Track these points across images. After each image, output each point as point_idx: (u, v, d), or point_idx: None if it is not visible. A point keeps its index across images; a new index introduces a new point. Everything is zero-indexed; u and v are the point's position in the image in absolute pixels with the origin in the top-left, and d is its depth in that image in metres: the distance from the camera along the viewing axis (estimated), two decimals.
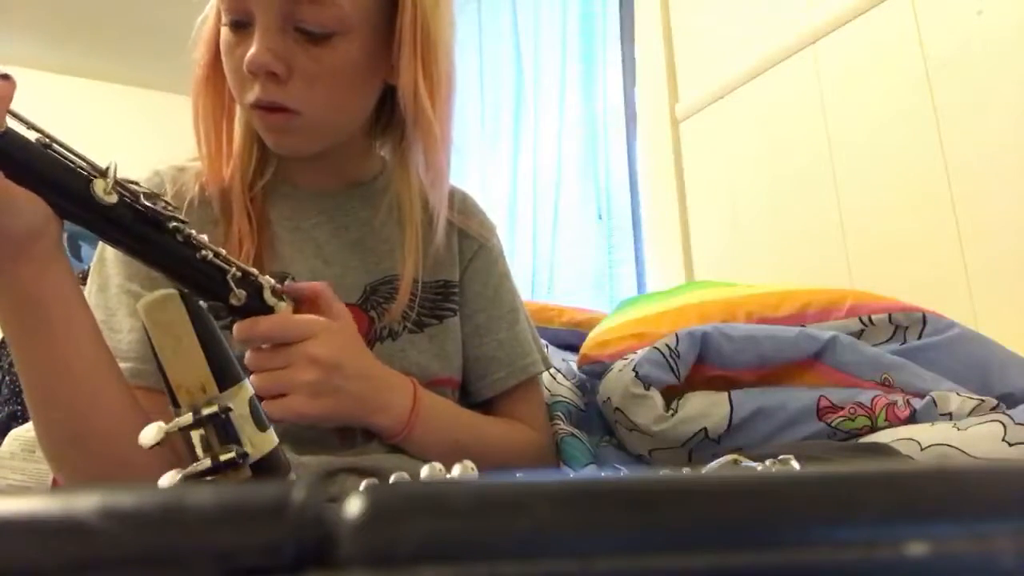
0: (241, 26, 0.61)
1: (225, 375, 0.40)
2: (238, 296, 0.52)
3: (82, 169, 0.46)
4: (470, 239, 0.77)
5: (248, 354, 0.56)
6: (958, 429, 0.62)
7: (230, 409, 0.39)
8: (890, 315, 0.77)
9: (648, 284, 1.72)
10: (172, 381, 0.39)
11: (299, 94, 0.61)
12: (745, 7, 1.45)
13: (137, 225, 0.47)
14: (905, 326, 0.76)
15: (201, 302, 0.52)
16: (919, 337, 0.76)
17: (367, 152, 0.76)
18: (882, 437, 0.64)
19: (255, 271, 0.55)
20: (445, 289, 0.74)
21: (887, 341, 0.77)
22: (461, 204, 0.78)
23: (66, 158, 0.46)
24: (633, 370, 0.74)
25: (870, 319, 0.77)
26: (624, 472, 0.71)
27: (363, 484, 0.17)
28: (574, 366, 0.90)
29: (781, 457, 0.39)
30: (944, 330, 0.75)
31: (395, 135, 0.73)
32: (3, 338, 1.40)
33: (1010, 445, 0.59)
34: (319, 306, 0.59)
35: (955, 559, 0.16)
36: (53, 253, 0.48)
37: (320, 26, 0.60)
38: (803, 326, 0.78)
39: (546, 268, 1.94)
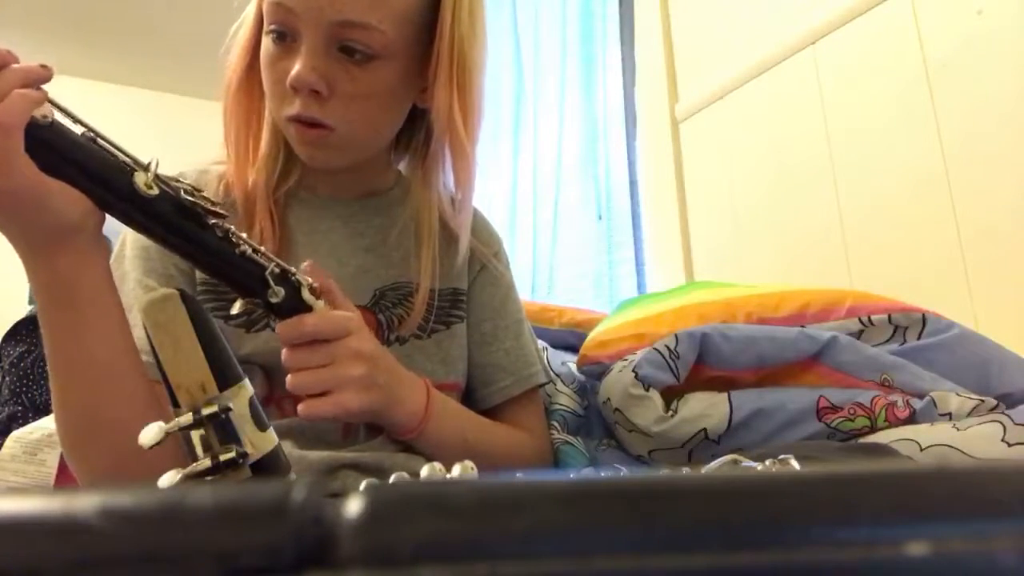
0: (284, 38, 0.63)
1: (225, 375, 0.40)
2: (276, 293, 0.52)
3: (125, 163, 0.47)
4: (479, 251, 0.78)
5: (285, 353, 0.56)
6: (957, 429, 0.62)
7: (230, 409, 0.39)
8: (890, 315, 0.77)
9: (648, 284, 1.72)
10: (172, 381, 0.39)
11: (337, 112, 0.63)
12: (745, 7, 1.45)
13: (177, 219, 0.48)
14: (905, 326, 0.76)
15: (239, 303, 0.53)
16: (919, 337, 0.76)
17: (385, 165, 0.78)
18: (882, 437, 0.64)
19: (293, 269, 0.55)
20: (454, 297, 0.76)
21: (887, 341, 0.77)
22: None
23: (109, 152, 0.47)
24: (633, 371, 0.74)
25: (870, 319, 0.77)
26: (624, 472, 0.71)
27: (363, 484, 0.17)
28: (574, 368, 0.90)
29: (781, 457, 0.39)
30: (944, 330, 0.75)
31: (417, 151, 0.76)
32: (2, 339, 1.40)
33: (1009, 445, 0.59)
34: (332, 300, 0.60)
35: (955, 559, 0.16)
36: (91, 246, 0.50)
37: (365, 48, 0.61)
38: (803, 326, 0.78)
39: (546, 268, 1.94)
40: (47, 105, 0.46)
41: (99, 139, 0.47)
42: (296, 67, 0.61)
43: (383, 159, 0.77)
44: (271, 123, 0.70)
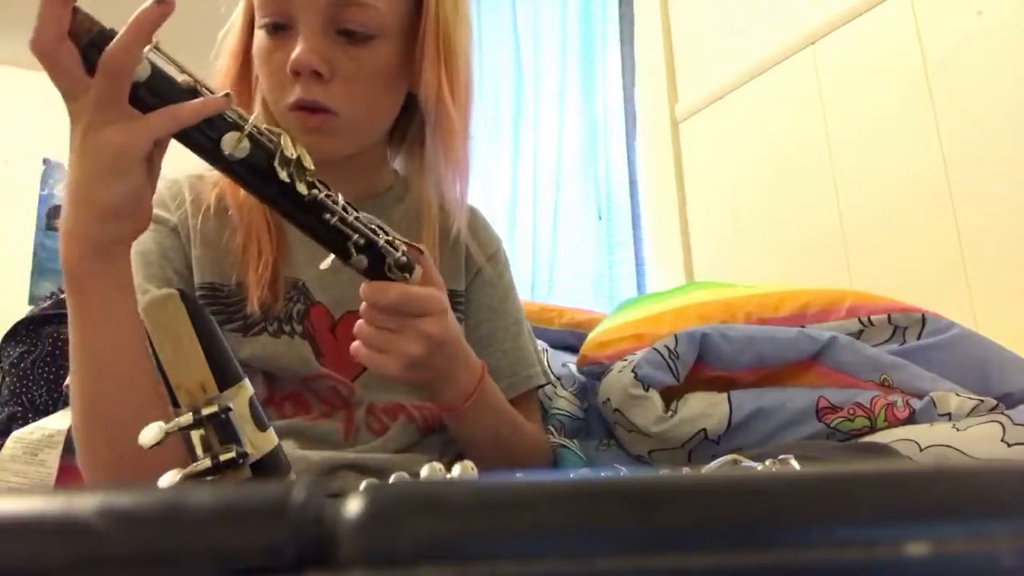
0: (279, 28, 0.63)
1: (225, 375, 0.40)
2: (359, 262, 0.55)
3: (221, 119, 0.49)
4: (477, 251, 0.78)
5: (364, 307, 0.57)
6: (957, 430, 0.62)
7: (230, 409, 0.39)
8: (889, 315, 0.77)
9: (648, 284, 1.72)
10: (172, 381, 0.39)
11: (339, 94, 0.63)
12: (745, 7, 1.45)
13: (266, 182, 0.50)
14: (904, 326, 0.76)
15: (330, 259, 0.55)
16: (918, 337, 0.75)
17: (382, 163, 0.78)
18: (881, 438, 0.64)
19: (381, 241, 0.56)
20: (451, 298, 0.75)
21: (886, 341, 0.77)
22: (469, 217, 0.79)
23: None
24: (632, 371, 0.74)
25: (869, 319, 0.77)
26: (624, 472, 0.71)
27: (363, 484, 0.17)
28: (574, 368, 0.90)
29: (781, 457, 0.39)
30: (944, 330, 0.75)
31: (412, 144, 0.76)
32: (2, 339, 1.41)
33: (1009, 445, 0.59)
34: (426, 274, 0.60)
35: (955, 559, 0.16)
36: (126, 248, 0.53)
37: (363, 28, 0.62)
38: (802, 326, 0.78)
39: (546, 268, 1.94)
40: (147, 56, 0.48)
41: (202, 90, 0.49)
42: (296, 51, 0.61)
43: (379, 154, 0.76)
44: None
